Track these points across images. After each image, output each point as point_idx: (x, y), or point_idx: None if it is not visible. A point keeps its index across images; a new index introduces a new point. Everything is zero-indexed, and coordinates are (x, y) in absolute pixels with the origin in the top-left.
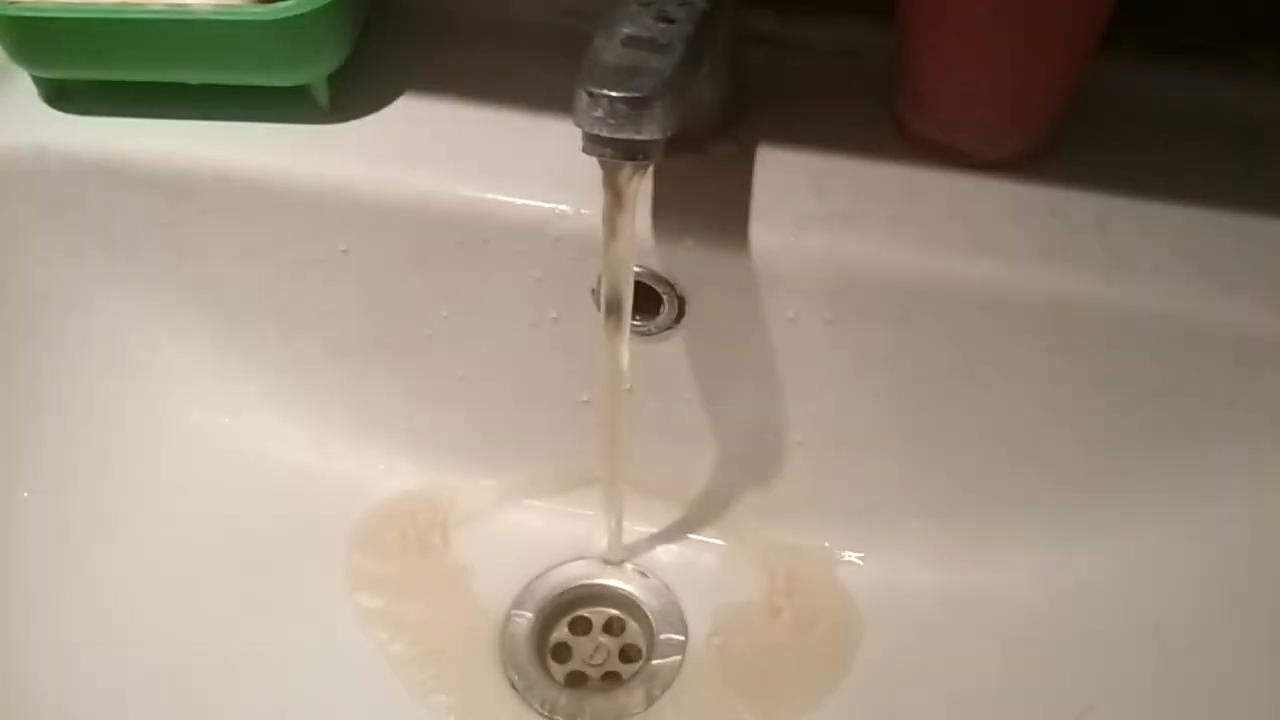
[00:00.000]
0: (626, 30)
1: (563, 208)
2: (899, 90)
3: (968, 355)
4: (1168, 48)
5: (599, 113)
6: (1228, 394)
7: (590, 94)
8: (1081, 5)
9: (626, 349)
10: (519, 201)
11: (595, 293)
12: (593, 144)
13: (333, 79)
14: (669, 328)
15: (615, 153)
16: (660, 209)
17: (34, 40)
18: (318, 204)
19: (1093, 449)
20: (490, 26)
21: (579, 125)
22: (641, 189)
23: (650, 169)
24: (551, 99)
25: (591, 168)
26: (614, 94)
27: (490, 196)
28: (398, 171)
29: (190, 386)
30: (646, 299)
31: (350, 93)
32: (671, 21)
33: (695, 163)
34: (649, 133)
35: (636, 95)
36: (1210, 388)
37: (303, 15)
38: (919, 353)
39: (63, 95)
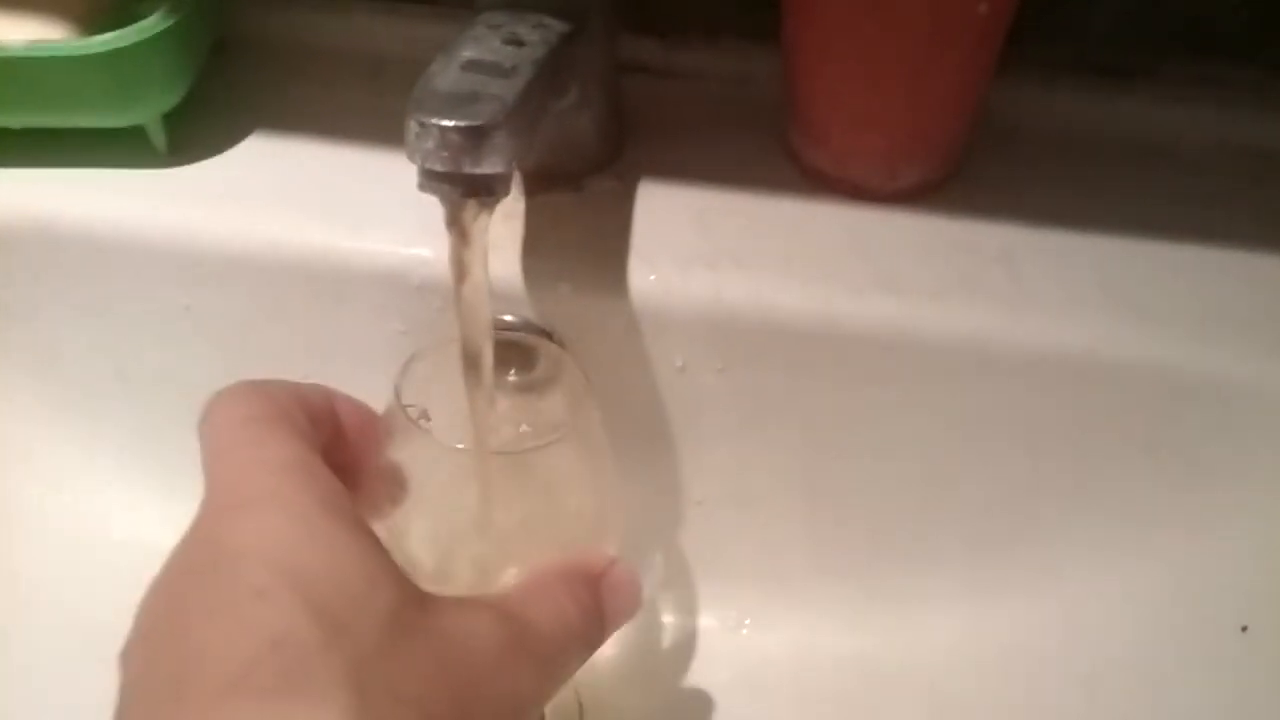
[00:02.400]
0: (468, 54)
1: (424, 253)
2: (789, 120)
3: (870, 401)
4: (1072, 66)
5: (430, 144)
6: (1148, 437)
7: (420, 124)
8: (972, 26)
9: (491, 405)
10: (377, 248)
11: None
12: (428, 180)
13: (170, 119)
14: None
15: (453, 189)
16: (533, 251)
17: None
18: (155, 255)
19: (1009, 499)
20: (350, 61)
21: (411, 159)
22: (508, 229)
23: (514, 206)
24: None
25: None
26: (446, 123)
27: (345, 244)
28: (243, 217)
29: (28, 461)
30: (523, 351)
31: (191, 133)
32: (521, 45)
33: (571, 201)
34: (489, 166)
35: (472, 124)
36: (1129, 430)
37: (127, 48)
38: (818, 400)
39: None
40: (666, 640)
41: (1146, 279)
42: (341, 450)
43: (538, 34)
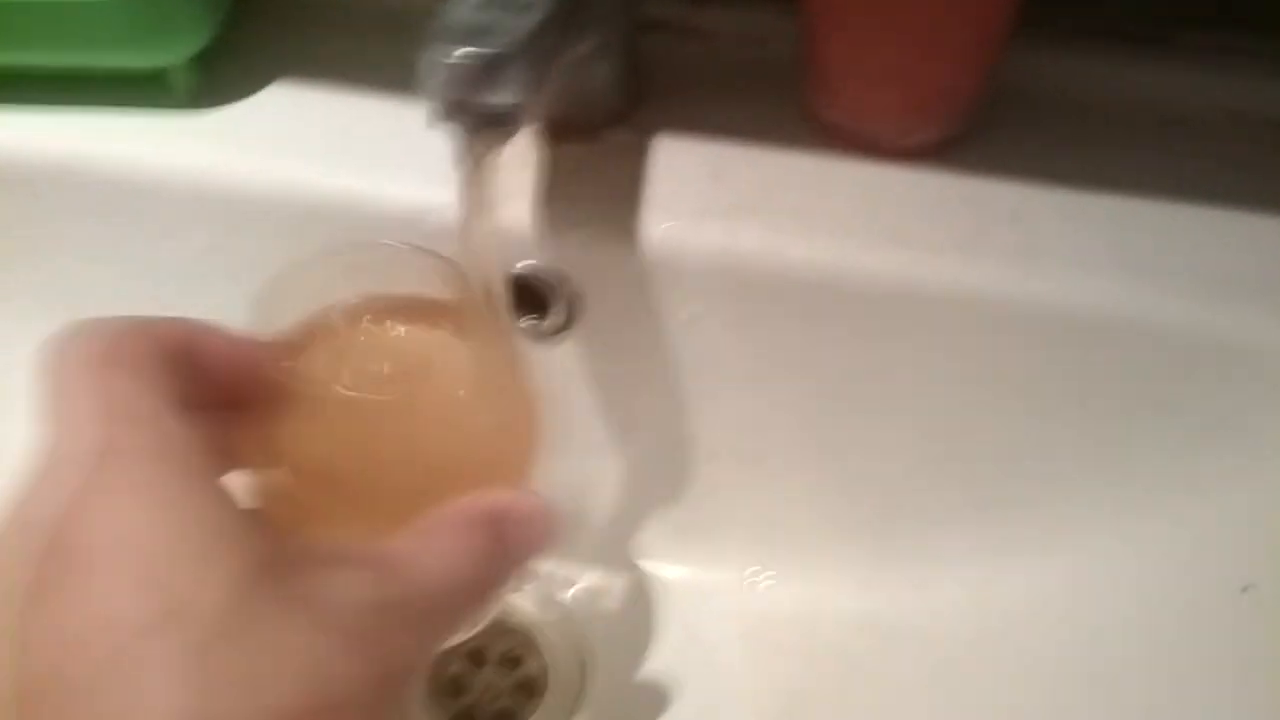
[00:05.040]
0: None
1: (439, 198)
2: (806, 76)
3: (881, 356)
4: (1088, 34)
5: (443, 75)
6: (1159, 397)
7: (434, 55)
8: None
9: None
10: (393, 192)
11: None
12: (440, 111)
13: (196, 63)
14: (562, 330)
15: (464, 119)
16: (549, 200)
17: None
18: (178, 198)
19: (1019, 458)
20: (373, 12)
21: (424, 92)
22: (524, 179)
23: (530, 156)
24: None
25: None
26: (459, 51)
27: (363, 188)
28: (265, 161)
29: None
30: (536, 298)
31: (216, 79)
32: None
33: (588, 151)
34: (501, 96)
35: (484, 52)
36: (1140, 390)
37: None
38: (829, 355)
39: None
40: (673, 596)
41: (1158, 241)
42: (209, 388)
43: None
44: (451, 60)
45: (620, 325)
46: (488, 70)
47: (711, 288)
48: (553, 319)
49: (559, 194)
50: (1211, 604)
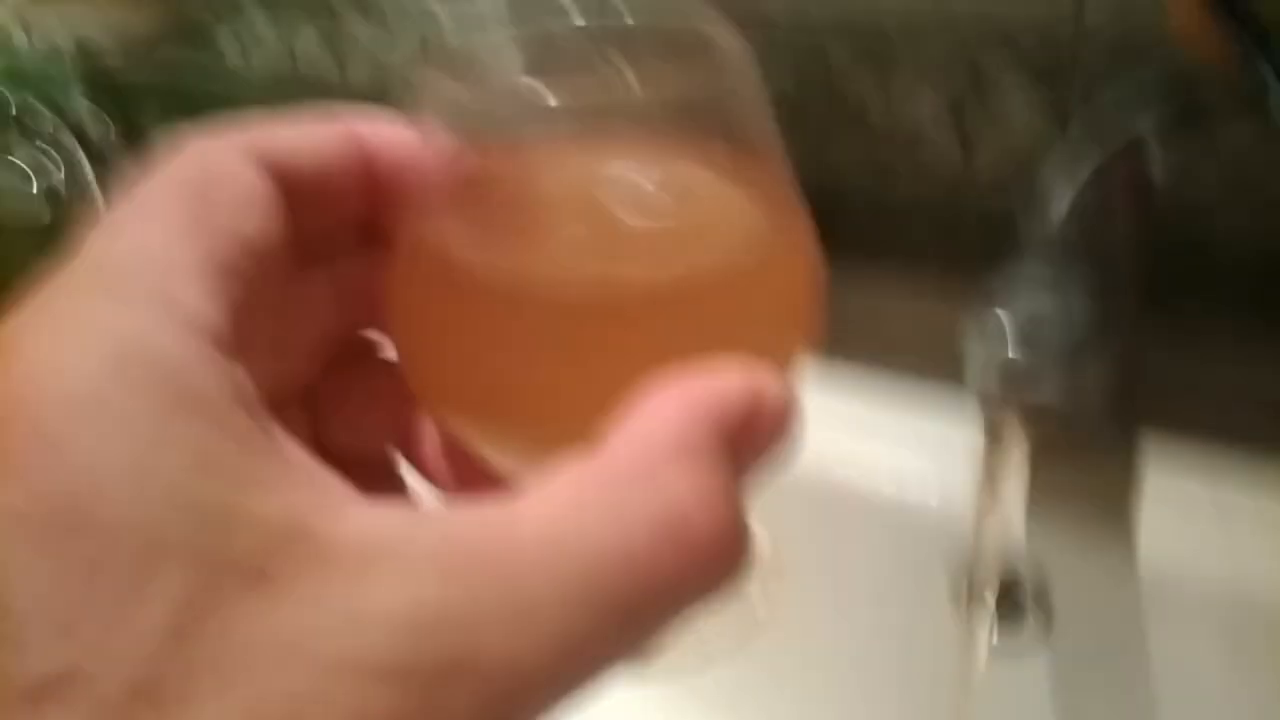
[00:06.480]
0: (1029, 305)
1: (927, 487)
2: None
3: None
4: None
5: (993, 374)
6: None
7: (985, 355)
8: None
9: (984, 648)
10: (878, 477)
11: (958, 584)
12: (984, 406)
13: None
14: (1034, 640)
15: (1007, 416)
16: (1042, 504)
17: None
18: None
19: None
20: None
21: (970, 388)
22: (1019, 476)
23: (1025, 454)
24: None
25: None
26: (1012, 355)
27: (845, 471)
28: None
29: None
30: (1012, 604)
31: None
32: (1071, 297)
33: (1080, 456)
34: (1043, 397)
35: (1037, 356)
36: None
37: None
38: None
39: None
40: None
41: None
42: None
43: (1079, 289)
44: (1002, 362)
45: (1095, 644)
46: (1035, 371)
47: (1201, 619)
48: (1028, 627)
49: (1050, 497)
50: None
